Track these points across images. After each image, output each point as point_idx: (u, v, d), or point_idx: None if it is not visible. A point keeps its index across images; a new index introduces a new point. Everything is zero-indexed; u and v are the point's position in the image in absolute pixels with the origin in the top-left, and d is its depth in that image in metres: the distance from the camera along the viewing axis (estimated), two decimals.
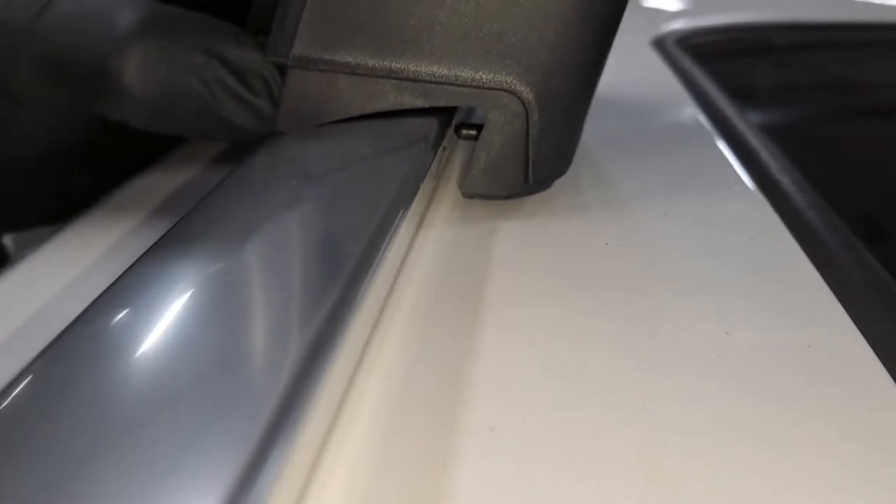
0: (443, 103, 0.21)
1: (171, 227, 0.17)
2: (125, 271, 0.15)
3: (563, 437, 0.15)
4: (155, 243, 0.16)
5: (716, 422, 0.15)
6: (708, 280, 0.20)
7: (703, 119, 0.33)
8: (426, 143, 0.21)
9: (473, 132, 0.22)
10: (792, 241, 0.22)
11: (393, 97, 0.21)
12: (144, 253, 0.16)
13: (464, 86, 0.21)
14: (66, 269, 0.20)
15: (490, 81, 0.21)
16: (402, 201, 0.19)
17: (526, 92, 0.21)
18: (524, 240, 0.22)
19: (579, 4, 0.21)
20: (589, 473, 0.14)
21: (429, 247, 0.21)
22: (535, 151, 0.22)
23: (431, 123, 0.22)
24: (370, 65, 0.21)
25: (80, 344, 0.13)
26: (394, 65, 0.21)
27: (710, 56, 0.47)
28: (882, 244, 0.22)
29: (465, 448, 0.14)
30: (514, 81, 0.21)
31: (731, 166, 0.28)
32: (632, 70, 0.41)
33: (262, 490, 0.11)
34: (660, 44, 0.48)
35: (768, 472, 0.14)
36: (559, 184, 0.25)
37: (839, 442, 0.15)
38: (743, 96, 0.38)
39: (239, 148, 0.27)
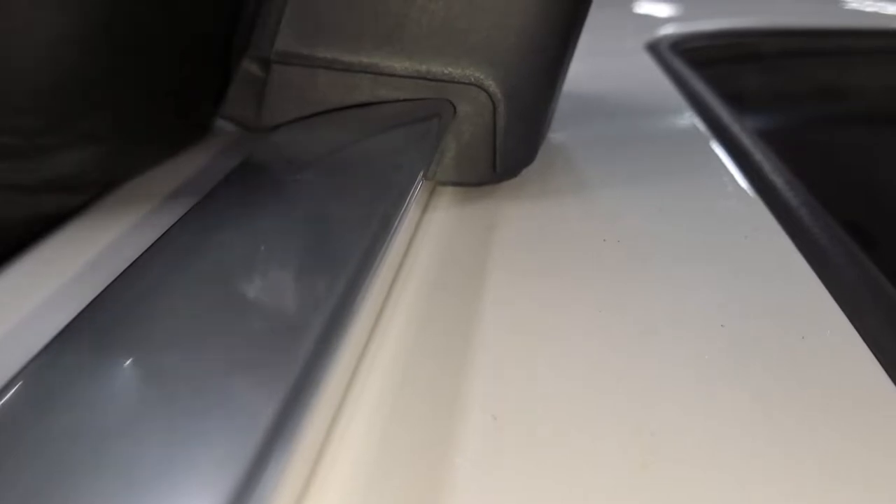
0: (416, 96, 0.22)
1: (177, 221, 0.17)
2: (129, 266, 0.15)
3: (563, 425, 0.15)
4: (161, 236, 0.16)
5: (712, 408, 0.16)
6: (704, 274, 0.21)
7: (697, 121, 0.34)
8: (439, 119, 0.22)
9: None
10: (785, 238, 0.23)
11: (370, 90, 0.22)
12: (148, 248, 0.16)
13: (435, 80, 0.22)
14: (70, 262, 0.20)
15: (459, 76, 0.22)
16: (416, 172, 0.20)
17: (493, 87, 0.22)
18: (527, 232, 0.22)
19: (540, 7, 0.21)
20: (588, 461, 0.14)
21: (432, 233, 0.22)
22: (501, 142, 0.23)
23: (444, 105, 0.23)
24: (347, 60, 0.22)
25: (83, 341, 0.13)
26: (369, 60, 0.22)
27: (703, 60, 0.47)
28: (868, 250, 0.23)
29: (469, 436, 0.15)
30: (482, 77, 0.22)
31: (725, 167, 0.29)
32: (627, 73, 0.42)
33: (272, 472, 0.11)
34: (654, 48, 0.48)
35: (763, 456, 0.14)
36: (555, 178, 0.25)
37: (833, 429, 0.15)
38: (736, 100, 0.38)
39: (233, 150, 0.28)
